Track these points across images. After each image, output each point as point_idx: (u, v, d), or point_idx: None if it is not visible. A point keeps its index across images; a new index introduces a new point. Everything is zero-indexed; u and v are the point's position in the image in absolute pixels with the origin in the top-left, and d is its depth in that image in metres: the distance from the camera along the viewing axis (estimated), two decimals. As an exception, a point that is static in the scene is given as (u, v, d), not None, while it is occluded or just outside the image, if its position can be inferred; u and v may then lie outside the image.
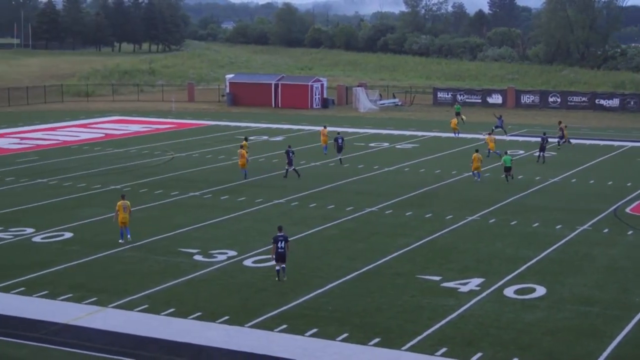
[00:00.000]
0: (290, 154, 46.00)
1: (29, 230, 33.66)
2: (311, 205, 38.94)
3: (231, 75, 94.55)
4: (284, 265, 27.54)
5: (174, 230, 33.95)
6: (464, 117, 70.17)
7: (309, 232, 33.92)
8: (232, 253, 30.58)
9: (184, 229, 34.14)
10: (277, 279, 27.47)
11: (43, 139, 60.32)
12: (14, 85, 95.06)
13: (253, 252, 30.63)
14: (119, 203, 32.28)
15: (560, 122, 60.80)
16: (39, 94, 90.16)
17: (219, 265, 29.18)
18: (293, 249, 28.90)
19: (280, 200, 39.81)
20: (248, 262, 29.49)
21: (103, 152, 54.61)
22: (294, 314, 24.33)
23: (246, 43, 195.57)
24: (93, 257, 29.98)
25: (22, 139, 60.46)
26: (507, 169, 45.15)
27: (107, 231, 33.55)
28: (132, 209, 32.86)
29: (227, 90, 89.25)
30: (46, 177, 45.28)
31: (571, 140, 59.26)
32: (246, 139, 50.63)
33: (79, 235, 33.05)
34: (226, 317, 23.88)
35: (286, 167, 46.08)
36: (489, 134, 55.20)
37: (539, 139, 53.08)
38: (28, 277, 27.41)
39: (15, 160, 50.85)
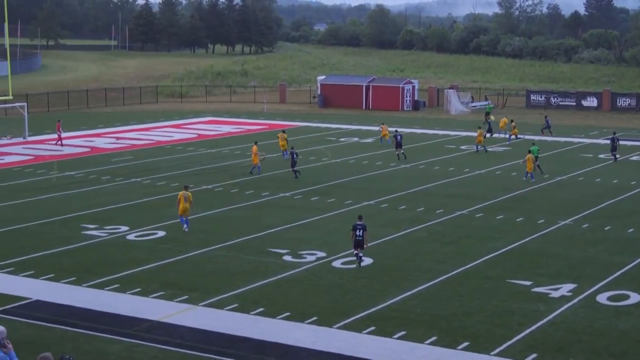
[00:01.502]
0: (294, 156, 46.51)
1: (124, 228, 34.37)
2: (400, 208, 38.82)
3: (322, 77, 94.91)
4: (361, 254, 29.05)
5: (264, 230, 34.25)
6: (492, 117, 69.40)
7: (398, 234, 33.82)
8: (321, 254, 30.69)
9: (274, 229, 34.41)
10: (356, 265, 29.01)
11: (138, 139, 61.54)
12: (111, 86, 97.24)
13: (342, 254, 30.68)
14: (180, 193, 33.94)
15: (512, 121, 63.13)
16: (134, 94, 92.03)
17: (308, 265, 29.32)
18: (384, 252, 28.86)
19: (370, 202, 39.79)
20: (337, 263, 29.56)
21: (196, 153, 55.43)
22: (383, 316, 24.29)
23: (338, 45, 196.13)
24: (185, 255, 30.44)
25: (118, 138, 61.80)
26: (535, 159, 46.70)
27: (198, 230, 34.05)
28: (192, 202, 33.95)
29: (319, 91, 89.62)
30: (140, 176, 46.19)
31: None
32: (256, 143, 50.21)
33: (171, 234, 33.60)
34: (314, 318, 23.98)
35: (290, 168, 46.60)
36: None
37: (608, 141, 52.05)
38: (122, 274, 27.98)
39: (111, 159, 52.01)
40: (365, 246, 29.33)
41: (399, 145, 52.81)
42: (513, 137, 61.42)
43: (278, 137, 54.25)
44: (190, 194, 34.23)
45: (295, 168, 46.56)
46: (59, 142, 57.44)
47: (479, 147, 56.22)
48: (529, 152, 46.78)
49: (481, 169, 49.46)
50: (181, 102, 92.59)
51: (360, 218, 29.78)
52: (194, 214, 35.37)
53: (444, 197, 41.19)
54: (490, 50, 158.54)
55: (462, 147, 58.53)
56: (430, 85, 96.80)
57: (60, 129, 58.08)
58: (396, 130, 56.55)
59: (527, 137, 61.65)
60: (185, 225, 33.89)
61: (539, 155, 48.43)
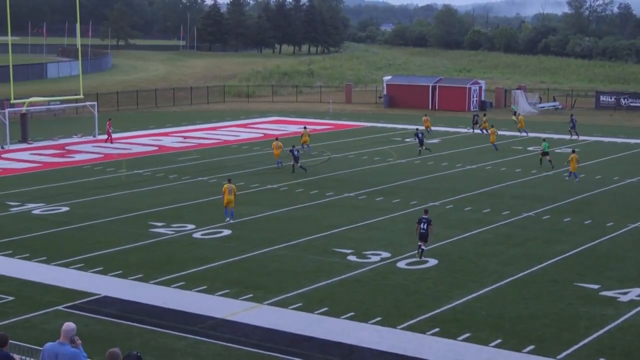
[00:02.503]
0: (295, 152, 47.74)
1: (190, 226, 34.74)
2: (466, 209, 38.57)
3: (389, 77, 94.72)
4: (423, 248, 29.89)
5: (329, 230, 34.32)
6: (515, 117, 69.74)
7: (464, 235, 33.61)
8: (385, 254, 30.65)
9: (339, 229, 34.46)
10: (418, 257, 29.71)
11: (205, 138, 62.14)
12: (179, 86, 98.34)
13: (407, 254, 30.60)
14: (225, 186, 35.33)
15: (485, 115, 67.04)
16: (202, 94, 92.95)
17: (372, 266, 29.30)
18: (449, 253, 28.70)
19: (435, 203, 39.59)
20: (402, 264, 29.49)
21: (261, 152, 55.75)
22: (447, 318, 24.17)
23: (404, 45, 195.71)
24: (250, 254, 30.65)
25: (185, 137, 62.46)
26: (545, 154, 49.42)
27: (263, 229, 34.28)
28: (236, 194, 35.19)
29: (384, 92, 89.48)
30: (207, 175, 46.62)
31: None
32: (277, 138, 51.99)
33: (236, 232, 33.86)
34: (378, 318, 23.96)
35: (292, 163, 47.57)
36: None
37: None
38: (188, 272, 28.29)
39: (177, 158, 52.60)
40: (429, 239, 29.98)
41: (421, 142, 54.90)
42: (484, 131, 64.03)
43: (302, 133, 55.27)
44: (234, 186, 35.65)
45: (299, 164, 47.68)
46: (109, 140, 58.64)
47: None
48: (572, 152, 46.61)
49: (548, 171, 48.87)
50: (248, 102, 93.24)
51: (426, 212, 30.73)
52: (251, 213, 35.57)
53: (510, 199, 40.81)
54: (559, 51, 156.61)
55: (530, 149, 57.90)
56: (498, 85, 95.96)
57: (111, 128, 59.33)
58: (417, 129, 58.02)
59: (544, 135, 60.75)
60: (229, 217, 35.26)
61: (549, 151, 50.19)
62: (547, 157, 49.49)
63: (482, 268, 29.16)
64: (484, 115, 67.27)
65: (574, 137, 63.04)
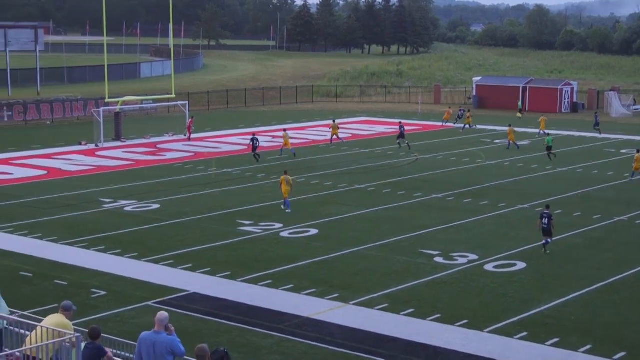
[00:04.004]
0: (255, 142, 51.19)
1: (278, 225, 35.00)
2: (556, 212, 37.88)
3: (478, 78, 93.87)
4: (549, 240, 30.96)
5: (416, 231, 34.21)
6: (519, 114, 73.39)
7: (554, 239, 33.03)
8: (473, 257, 30.40)
9: (426, 230, 34.32)
10: (543, 250, 30.82)
11: (293, 138, 62.39)
12: (268, 86, 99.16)
13: (495, 257, 30.30)
14: (282, 177, 37.82)
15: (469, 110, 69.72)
16: (291, 94, 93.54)
17: (459, 268, 29.10)
18: (538, 257, 28.30)
19: (524, 205, 39.11)
20: (489, 267, 29.21)
21: (350, 152, 55.85)
22: (535, 322, 23.86)
23: (495, 45, 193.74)
24: (337, 254, 30.75)
25: (274, 137, 62.90)
26: (549, 149, 52.25)
27: (351, 229, 34.36)
28: (292, 184, 37.53)
29: (474, 92, 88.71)
30: (294, 175, 46.82)
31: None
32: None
33: (324, 232, 34.01)
34: (465, 321, 23.79)
35: (252, 153, 50.90)
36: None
37: None
38: (275, 270, 28.53)
39: (266, 157, 53.03)
40: (552, 233, 31.09)
41: (401, 135, 56.86)
42: (467, 126, 66.92)
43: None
44: (290, 177, 37.92)
45: (255, 153, 50.80)
46: (188, 137, 59.67)
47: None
48: (637, 151, 45.95)
49: (642, 174, 47.75)
50: (336, 102, 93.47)
51: (547, 207, 31.75)
52: (338, 212, 35.63)
53: (602, 202, 40.04)
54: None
55: (623, 152, 56.71)
56: (590, 87, 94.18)
57: (192, 126, 60.38)
58: (400, 122, 60.56)
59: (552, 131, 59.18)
60: (287, 208, 37.46)
61: (553, 145, 53.00)
62: (550, 152, 52.25)
63: (571, 272, 28.69)
64: (469, 111, 69.42)
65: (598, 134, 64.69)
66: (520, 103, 79.61)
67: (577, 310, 24.88)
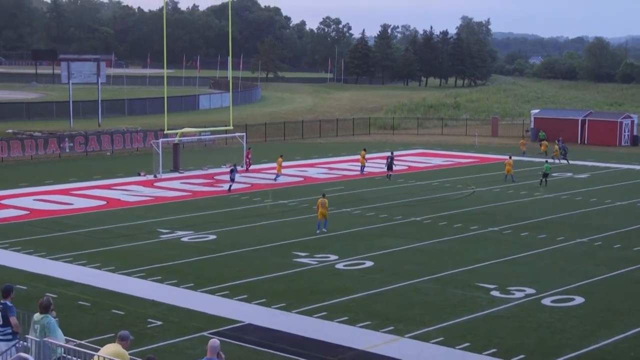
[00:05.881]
0: (233, 174, 52.00)
1: (333, 257, 35.00)
2: (615, 246, 37.43)
3: (536, 111, 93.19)
4: None
5: (472, 264, 33.94)
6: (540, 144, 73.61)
7: (613, 274, 32.60)
8: (530, 291, 30.05)
9: (482, 264, 34.04)
10: None
11: (349, 169, 62.61)
12: (325, 118, 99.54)
13: (552, 291, 29.91)
14: (319, 200, 39.90)
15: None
16: (347, 126, 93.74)
17: (516, 302, 28.79)
18: (597, 291, 27.83)
19: (583, 239, 38.61)
20: (546, 301, 28.84)
21: (406, 184, 55.72)
22: (594, 358, 23.49)
23: (554, 78, 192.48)
24: (392, 286, 30.63)
25: (330, 169, 63.08)
26: (545, 175, 54.90)
27: (406, 261, 34.23)
28: (327, 207, 40.87)
29: (532, 125, 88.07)
30: (350, 206, 46.87)
31: None
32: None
33: (379, 264, 33.92)
34: (522, 356, 23.49)
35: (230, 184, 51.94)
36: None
37: None
38: (330, 302, 28.49)
39: (322, 189, 53.01)
40: None
41: (389, 167, 57.95)
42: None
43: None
44: (326, 200, 39.95)
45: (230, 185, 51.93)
46: (247, 167, 60.23)
47: None
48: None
49: None
50: (393, 134, 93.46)
51: None
52: (394, 245, 35.49)
53: (663, 237, 39.35)
54: None
55: (685, 185, 55.73)
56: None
57: (249, 156, 60.97)
58: (391, 152, 61.22)
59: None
60: (325, 228, 39.62)
61: (549, 173, 55.36)
62: (544, 178, 54.77)
63: (631, 307, 28.20)
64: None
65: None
66: (542, 134, 78.95)
67: (637, 346, 24.43)
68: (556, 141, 72.57)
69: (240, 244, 37.37)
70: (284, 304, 28.13)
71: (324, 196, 40.61)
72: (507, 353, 23.71)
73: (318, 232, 39.64)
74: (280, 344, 24.39)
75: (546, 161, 58.72)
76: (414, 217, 44.00)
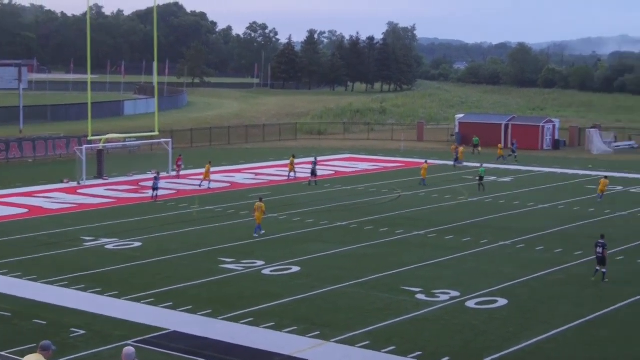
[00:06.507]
0: (157, 180, 51.14)
1: (260, 262, 34.93)
2: (538, 248, 38.10)
3: (461, 115, 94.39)
4: (604, 270, 32.05)
5: (398, 268, 34.19)
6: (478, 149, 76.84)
7: (535, 275, 33.17)
8: (454, 293, 30.40)
9: (408, 267, 34.32)
10: (593, 278, 32.14)
11: (275, 175, 62.58)
12: (252, 123, 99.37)
13: (476, 294, 30.31)
14: (256, 204, 40.86)
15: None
16: (274, 131, 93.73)
17: (441, 305, 29.09)
18: (519, 293, 28.30)
19: (506, 242, 39.22)
20: (471, 304, 29.21)
21: (332, 189, 55.91)
22: (516, 358, 23.84)
23: (478, 83, 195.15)
24: (318, 291, 30.68)
25: (257, 174, 62.98)
26: (481, 179, 55.29)
27: (332, 266, 34.33)
28: (264, 211, 40.52)
29: (457, 129, 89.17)
30: (277, 212, 46.84)
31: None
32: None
33: (305, 269, 33.96)
34: (446, 358, 23.73)
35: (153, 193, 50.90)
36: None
37: None
38: (257, 308, 28.42)
39: (248, 194, 53.01)
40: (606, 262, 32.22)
41: (313, 173, 57.60)
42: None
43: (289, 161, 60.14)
44: (262, 204, 40.60)
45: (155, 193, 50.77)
46: (177, 173, 59.90)
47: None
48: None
49: (623, 211, 48.06)
50: (319, 139, 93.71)
51: (602, 237, 32.95)
52: (320, 250, 35.60)
53: (584, 239, 40.12)
54: (636, 89, 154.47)
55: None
56: (572, 124, 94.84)
57: (180, 163, 60.65)
58: (315, 158, 61.66)
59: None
60: (262, 231, 40.11)
61: (484, 176, 55.86)
62: (480, 182, 54.97)
63: (553, 309, 28.72)
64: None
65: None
66: (475, 139, 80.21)
67: (558, 347, 24.88)
68: (510, 144, 76.23)
69: (166, 250, 37.05)
70: (210, 311, 27.97)
71: (260, 200, 41.36)
72: (432, 355, 23.94)
73: (255, 235, 39.96)
74: (207, 351, 24.24)
75: (481, 165, 59.35)
76: (340, 222, 44.17)
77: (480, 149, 77.92)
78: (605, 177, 53.58)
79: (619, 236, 40.73)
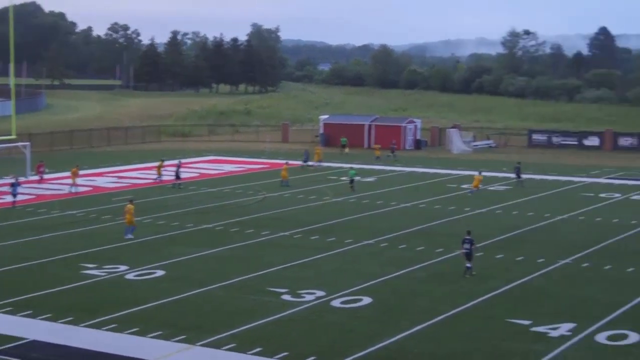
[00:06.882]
0: (16, 185, 49.53)
1: (123, 267, 34.32)
2: (400, 247, 38.81)
3: (325, 116, 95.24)
4: (469, 265, 33.05)
5: (264, 269, 34.21)
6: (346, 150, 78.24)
7: (398, 273, 33.77)
8: (320, 293, 30.61)
9: (273, 268, 34.37)
10: (464, 274, 32.81)
11: (139, 178, 61.67)
12: (114, 126, 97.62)
13: (341, 293, 30.61)
14: (126, 206, 40.39)
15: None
16: (137, 134, 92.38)
17: (307, 305, 29.25)
18: (383, 291, 28.71)
19: (370, 241, 39.78)
20: (336, 303, 29.48)
21: (197, 192, 55.51)
22: (381, 356, 24.21)
23: (342, 84, 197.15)
24: (184, 295, 30.38)
25: (120, 177, 61.91)
26: (352, 181, 55.62)
27: (198, 269, 34.07)
28: (132, 213, 39.78)
29: (321, 130, 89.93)
30: (141, 215, 46.06)
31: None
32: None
33: (170, 272, 33.58)
34: (313, 358, 23.88)
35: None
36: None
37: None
38: (120, 314, 27.90)
39: (111, 198, 52.06)
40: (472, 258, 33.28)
41: (177, 176, 57.15)
42: (317, 163, 69.07)
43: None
44: (132, 206, 40.22)
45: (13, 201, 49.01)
46: (40, 178, 58.47)
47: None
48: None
49: (482, 208, 49.49)
50: (184, 141, 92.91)
51: (468, 233, 33.92)
52: (185, 253, 35.32)
53: (445, 237, 41.13)
54: (493, 90, 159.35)
55: (463, 186, 58.53)
56: (433, 124, 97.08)
57: (41, 169, 59.05)
58: (179, 161, 60.67)
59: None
60: (130, 235, 39.77)
61: (355, 179, 56.18)
62: (351, 184, 55.25)
63: (415, 306, 29.30)
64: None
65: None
66: (343, 139, 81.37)
67: (420, 343, 25.38)
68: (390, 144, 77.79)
69: (25, 257, 35.94)
70: (71, 318, 27.28)
71: (131, 202, 40.83)
72: (299, 356, 24.04)
73: (129, 236, 39.71)
74: (69, 359, 23.64)
75: (351, 167, 59.40)
76: (206, 224, 43.87)
77: (347, 149, 78.78)
78: (480, 173, 56.43)
79: (479, 233, 41.81)
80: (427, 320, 27.52)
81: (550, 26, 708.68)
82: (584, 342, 25.39)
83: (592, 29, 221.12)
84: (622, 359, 24.06)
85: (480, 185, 55.27)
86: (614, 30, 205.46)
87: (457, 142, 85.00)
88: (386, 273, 33.61)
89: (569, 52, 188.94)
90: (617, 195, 55.30)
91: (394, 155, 74.85)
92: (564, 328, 26.63)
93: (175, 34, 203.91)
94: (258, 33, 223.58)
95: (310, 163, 69.41)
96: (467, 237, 33.56)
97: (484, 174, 58.59)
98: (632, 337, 25.78)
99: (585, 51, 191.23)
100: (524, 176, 60.54)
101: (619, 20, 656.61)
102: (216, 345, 24.93)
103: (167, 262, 35.24)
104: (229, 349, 24.58)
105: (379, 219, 46.06)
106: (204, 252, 37.23)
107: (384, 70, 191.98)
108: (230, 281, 32.30)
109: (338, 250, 37.93)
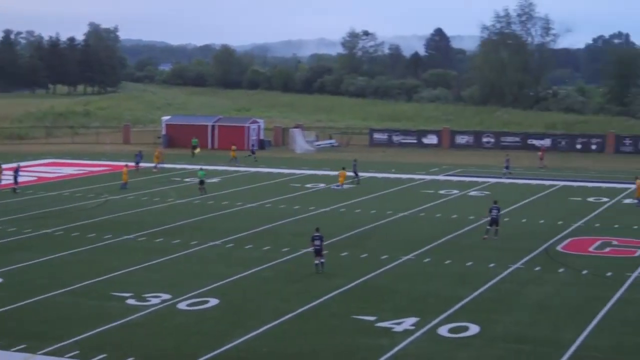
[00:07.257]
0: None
1: (-42, 276, 32.95)
2: (247, 247, 38.81)
3: (167, 117, 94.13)
4: (322, 260, 33.72)
5: (107, 274, 33.49)
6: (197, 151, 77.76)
7: (245, 273, 33.75)
8: (166, 296, 30.24)
9: (117, 273, 33.71)
10: (316, 271, 33.43)
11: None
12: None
13: (188, 295, 30.34)
14: None
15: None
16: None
17: (152, 308, 28.83)
18: (231, 292, 28.61)
19: (216, 242, 39.60)
20: (182, 305, 29.19)
21: (35, 196, 53.84)
22: (230, 357, 24.14)
23: (183, 85, 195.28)
24: (23, 302, 29.39)
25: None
26: (201, 182, 54.47)
27: (39, 276, 33.04)
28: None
29: (164, 131, 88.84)
30: (-24, 221, 44.41)
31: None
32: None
33: (9, 280, 32.41)
34: (159, 362, 23.60)
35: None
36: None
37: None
38: (-45, 324, 26.78)
39: (-56, 204, 49.86)
40: (323, 254, 33.91)
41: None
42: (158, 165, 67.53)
43: None
44: None
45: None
46: None
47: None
48: (636, 178, 51.92)
49: (326, 207, 50.07)
50: (20, 144, 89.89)
51: (317, 230, 34.56)
52: (24, 259, 34.26)
53: (290, 236, 41.38)
54: (334, 90, 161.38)
55: (307, 186, 59.11)
56: (276, 124, 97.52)
57: None
58: (18, 165, 59.27)
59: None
60: None
61: (205, 180, 55.20)
62: (202, 186, 54.15)
63: (263, 305, 29.35)
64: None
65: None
66: (194, 140, 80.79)
67: (269, 342, 25.45)
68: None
69: None
70: None
71: None
72: (145, 360, 23.69)
73: None
74: None
75: (200, 168, 58.23)
76: (45, 229, 42.59)
77: (198, 149, 77.90)
78: (343, 169, 58.11)
79: (324, 232, 42.20)
80: (275, 319, 27.62)
81: (388, 27, 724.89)
82: (427, 336, 26.08)
83: (428, 30, 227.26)
84: (464, 350, 24.84)
85: (344, 181, 57.32)
86: (448, 32, 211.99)
87: (301, 142, 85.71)
88: (233, 274, 33.54)
89: (407, 52, 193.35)
90: (455, 191, 57.08)
91: (254, 157, 74.43)
92: (408, 323, 27.27)
93: (8, 33, 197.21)
94: (96, 32, 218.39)
95: (141, 164, 67.81)
96: (317, 234, 34.00)
97: (327, 172, 59.35)
98: (472, 329, 26.65)
99: (422, 52, 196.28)
100: (362, 174, 61.68)
101: (453, 22, 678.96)
102: (59, 353, 24.25)
103: (5, 269, 34.00)
104: (73, 357, 23.95)
105: (225, 220, 45.91)
106: (44, 258, 36.13)
107: (226, 71, 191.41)
108: (73, 287, 31.47)
109: (184, 252, 37.57)
